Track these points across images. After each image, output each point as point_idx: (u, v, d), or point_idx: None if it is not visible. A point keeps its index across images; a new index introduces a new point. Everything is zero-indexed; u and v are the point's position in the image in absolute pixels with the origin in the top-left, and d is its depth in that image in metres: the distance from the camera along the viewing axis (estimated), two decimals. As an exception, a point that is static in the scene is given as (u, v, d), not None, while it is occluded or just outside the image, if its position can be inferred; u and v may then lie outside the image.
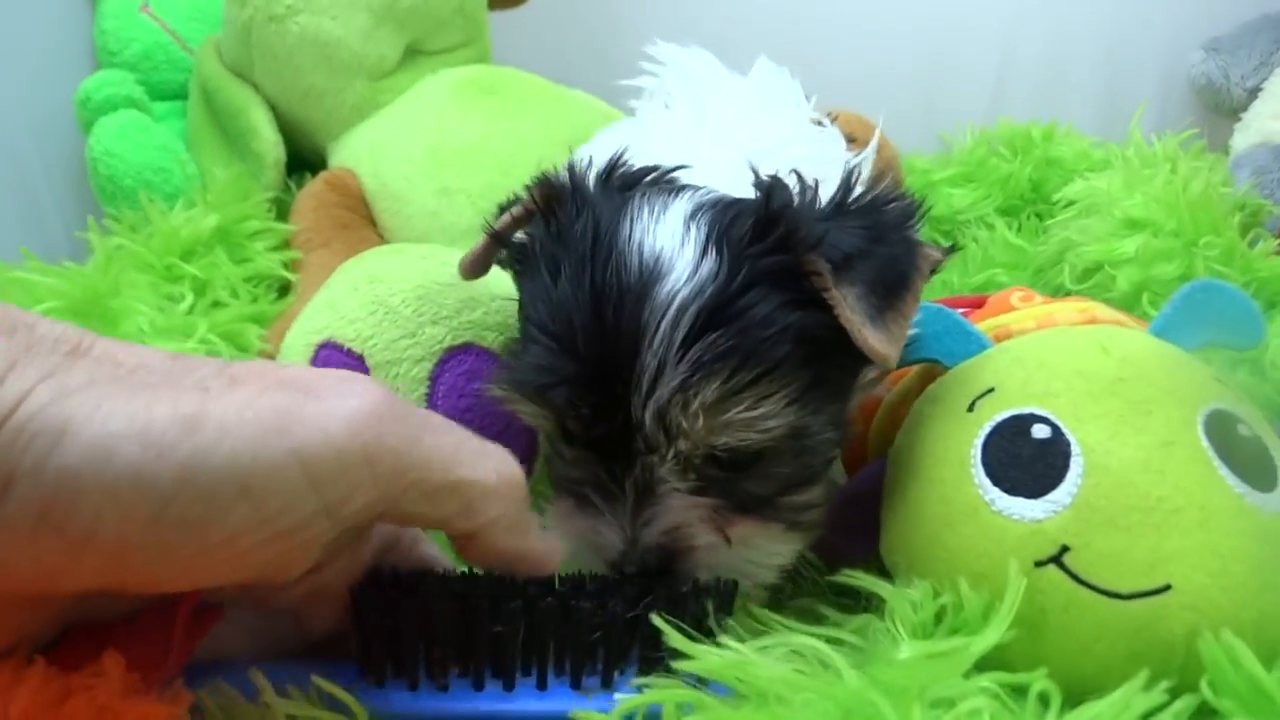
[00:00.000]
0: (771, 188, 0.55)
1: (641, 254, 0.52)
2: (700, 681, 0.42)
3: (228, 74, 1.07)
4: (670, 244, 0.53)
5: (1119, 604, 0.47)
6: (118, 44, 1.15)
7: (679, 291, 0.51)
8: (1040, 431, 0.51)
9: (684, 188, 0.59)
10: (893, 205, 0.58)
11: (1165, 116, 1.31)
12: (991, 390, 0.55)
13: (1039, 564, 0.48)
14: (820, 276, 0.52)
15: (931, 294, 1.10)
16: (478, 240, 0.63)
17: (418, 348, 0.68)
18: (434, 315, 0.68)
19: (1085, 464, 0.49)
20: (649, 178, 0.60)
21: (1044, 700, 0.45)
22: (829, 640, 0.49)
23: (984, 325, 0.61)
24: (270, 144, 1.04)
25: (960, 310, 0.67)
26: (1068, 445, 0.50)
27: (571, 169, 0.61)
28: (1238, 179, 1.07)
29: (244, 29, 1.02)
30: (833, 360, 0.54)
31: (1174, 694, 0.44)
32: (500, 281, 0.73)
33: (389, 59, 1.06)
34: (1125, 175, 0.93)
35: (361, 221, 1.02)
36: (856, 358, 0.54)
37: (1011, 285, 1.13)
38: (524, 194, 0.61)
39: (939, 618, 0.50)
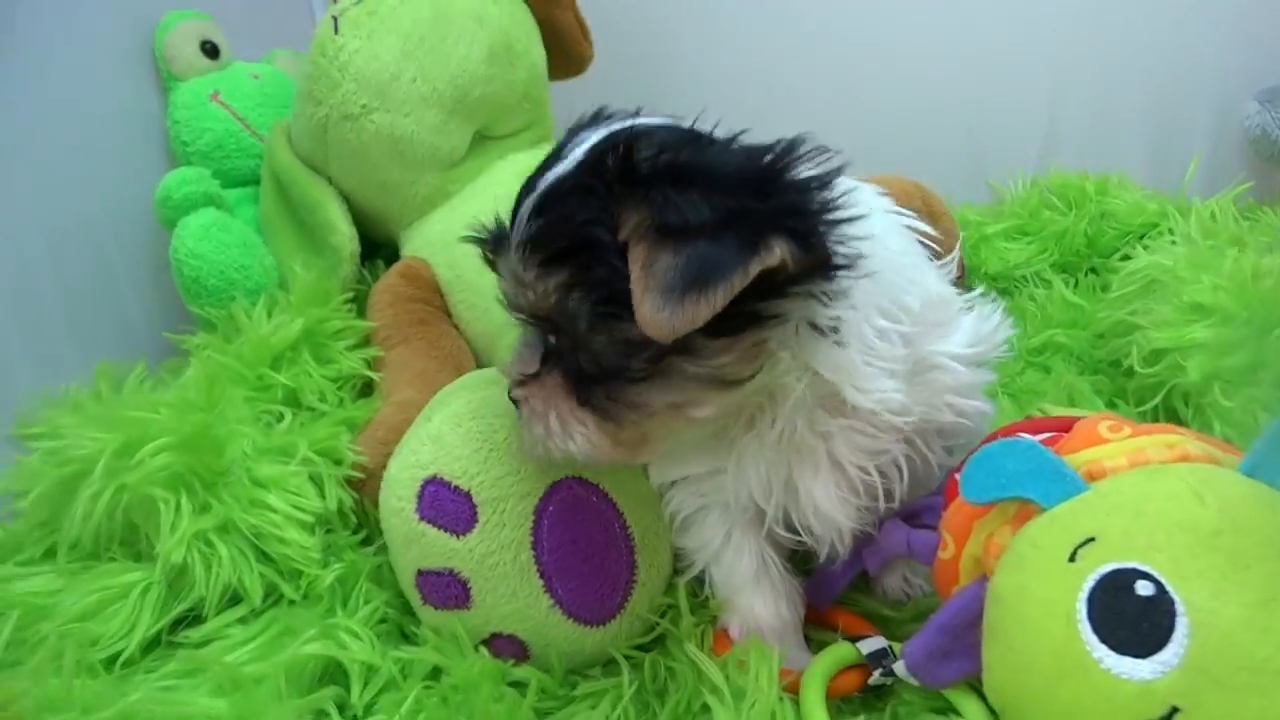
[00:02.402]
0: (631, 137, 0.60)
1: (567, 151, 0.63)
2: None
3: (302, 167, 1.10)
4: (582, 146, 0.63)
5: (1229, 764, 0.49)
6: (190, 134, 1.19)
7: (546, 181, 0.62)
8: (1144, 589, 0.53)
9: (676, 125, 0.66)
10: (783, 194, 0.57)
11: (1217, 164, 1.31)
12: (1092, 539, 0.56)
13: (1149, 724, 0.51)
14: (624, 229, 0.56)
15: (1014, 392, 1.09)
16: None
17: (523, 483, 0.70)
18: (537, 450, 0.71)
19: (1191, 624, 0.51)
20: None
21: None
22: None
23: (1075, 460, 0.63)
24: (347, 238, 1.07)
25: (1046, 435, 0.69)
26: (1172, 604, 0.52)
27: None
28: (1297, 242, 1.07)
29: (319, 126, 1.05)
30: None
31: None
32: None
33: (459, 149, 1.08)
34: (1190, 254, 0.95)
35: (438, 315, 1.05)
36: None
37: (1067, 343, 1.15)
38: None
39: (1052, 769, 0.52)
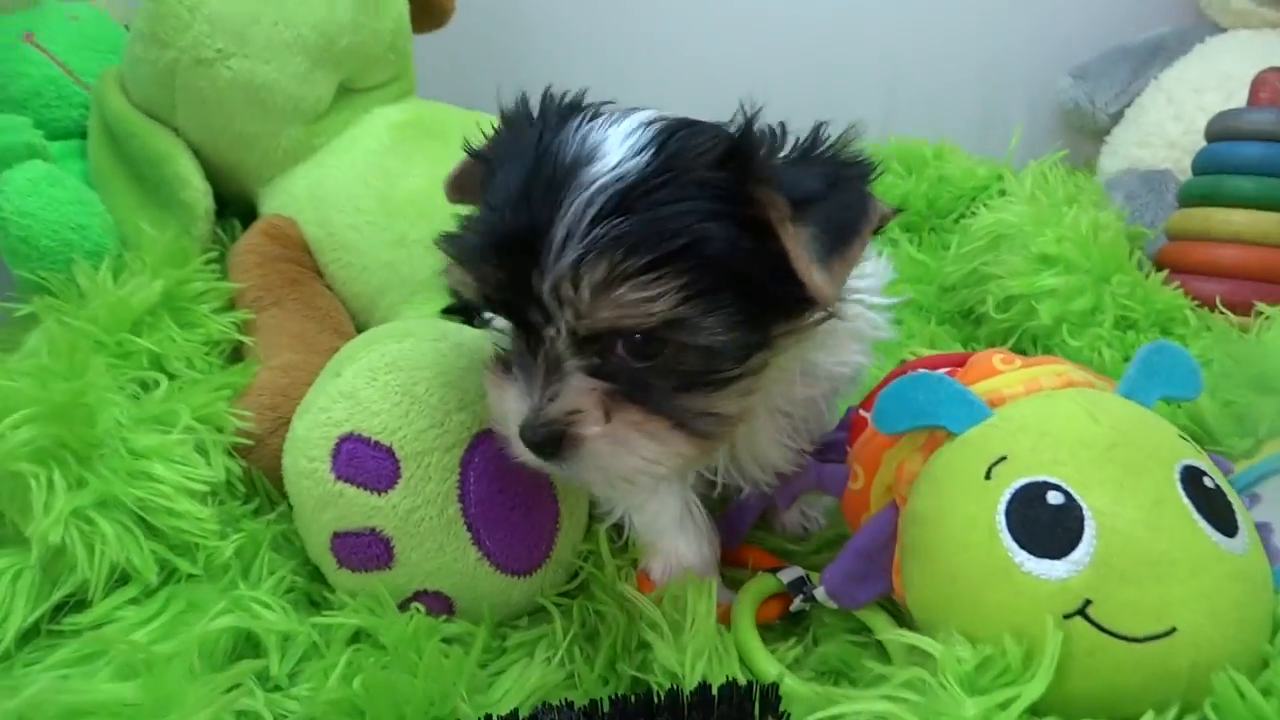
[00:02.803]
0: (749, 121, 0.59)
1: (581, 144, 0.57)
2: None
3: (142, 117, 1.01)
4: (612, 139, 0.57)
5: (1134, 646, 0.55)
6: (0, 80, 1.06)
7: (601, 176, 0.54)
8: (1055, 498, 0.59)
9: (652, 112, 0.63)
10: (854, 160, 0.61)
11: (1035, 134, 1.44)
12: (1004, 459, 0.62)
13: (1067, 616, 0.56)
14: (776, 211, 0.55)
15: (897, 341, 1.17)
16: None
17: (447, 435, 0.68)
18: (460, 401, 0.69)
19: (1097, 526, 0.57)
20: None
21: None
22: (891, 699, 0.56)
23: (975, 390, 0.68)
24: (200, 194, 0.99)
25: (945, 369, 0.74)
26: (1080, 510, 0.58)
27: (542, 96, 0.65)
28: (1112, 202, 1.20)
29: (165, 72, 0.96)
30: (755, 285, 0.57)
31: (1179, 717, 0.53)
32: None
33: (324, 101, 1.03)
34: (1033, 211, 1.04)
35: (309, 275, 0.99)
36: (785, 294, 0.58)
37: (915, 297, 1.24)
38: None
39: (980, 668, 0.57)
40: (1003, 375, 0.70)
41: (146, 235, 0.94)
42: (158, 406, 0.77)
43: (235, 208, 1.09)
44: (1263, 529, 0.65)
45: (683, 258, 0.54)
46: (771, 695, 0.56)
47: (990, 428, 0.65)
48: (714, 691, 0.56)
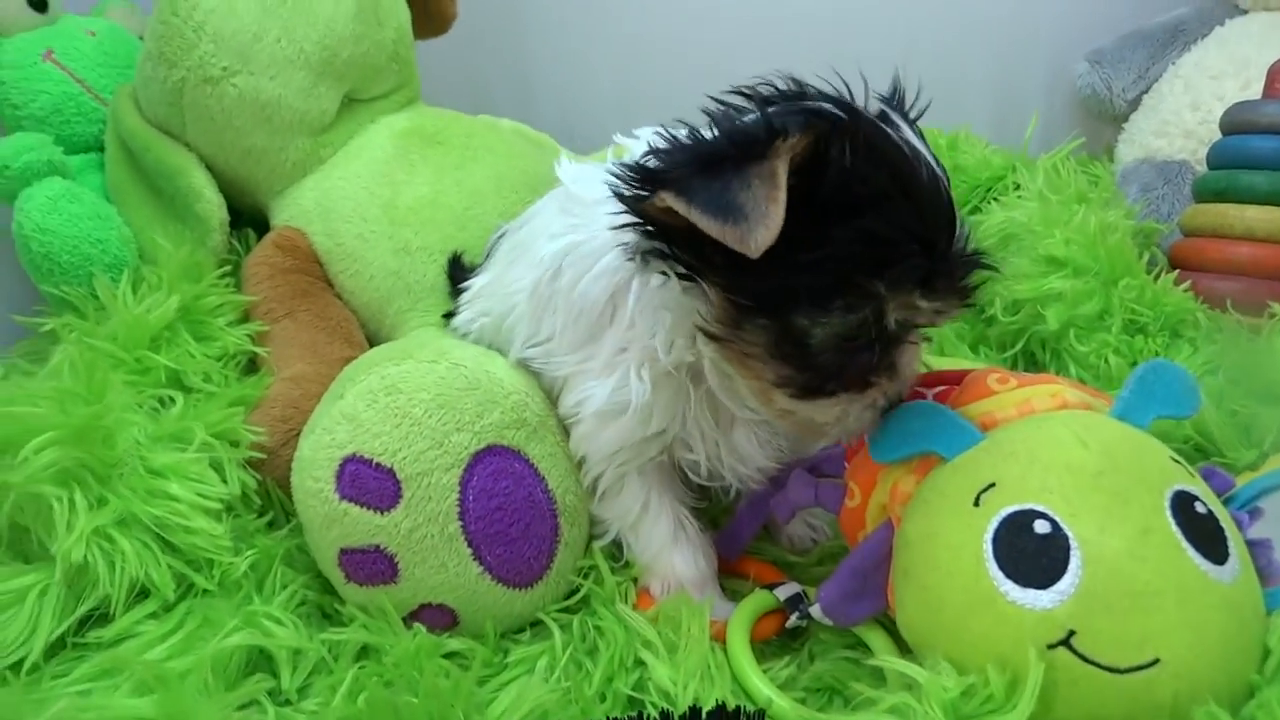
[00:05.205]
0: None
1: (927, 155, 0.65)
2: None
3: (156, 132, 1.03)
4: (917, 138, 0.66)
5: (1117, 677, 0.56)
6: (22, 98, 1.09)
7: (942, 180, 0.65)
8: (1041, 527, 0.59)
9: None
10: None
11: (1052, 120, 1.41)
12: (993, 485, 0.62)
13: (1051, 646, 0.57)
14: None
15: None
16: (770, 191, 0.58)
17: (446, 456, 0.70)
18: (458, 422, 0.71)
19: (1083, 556, 0.57)
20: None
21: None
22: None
23: (969, 412, 0.68)
24: (215, 206, 1.01)
25: (940, 388, 0.74)
26: (1066, 539, 0.58)
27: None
28: (1128, 194, 1.18)
29: (174, 90, 0.98)
30: None
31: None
32: (511, 377, 0.76)
33: (329, 113, 1.04)
34: (1042, 210, 1.03)
35: (320, 286, 1.01)
36: None
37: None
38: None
39: (964, 696, 0.58)
40: (996, 397, 0.70)
41: (163, 250, 0.96)
42: (174, 424, 0.79)
43: (249, 218, 1.11)
44: (1262, 545, 0.65)
45: None
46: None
47: (980, 452, 0.65)
48: (703, 715, 0.57)
